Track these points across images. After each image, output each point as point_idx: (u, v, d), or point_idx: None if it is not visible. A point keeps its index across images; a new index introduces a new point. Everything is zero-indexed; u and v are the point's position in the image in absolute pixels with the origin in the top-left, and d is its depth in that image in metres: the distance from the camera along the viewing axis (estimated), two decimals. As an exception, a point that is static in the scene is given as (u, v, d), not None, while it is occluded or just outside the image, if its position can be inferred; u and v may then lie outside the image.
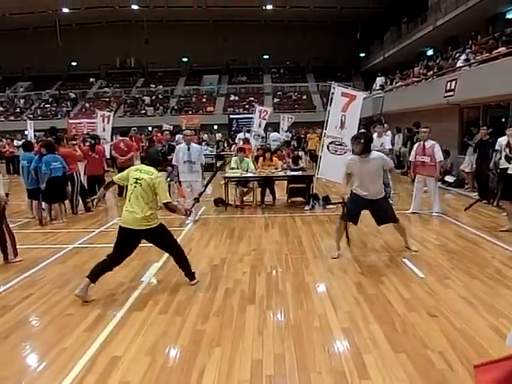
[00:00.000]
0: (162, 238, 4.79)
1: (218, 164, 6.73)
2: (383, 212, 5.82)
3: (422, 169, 8.16)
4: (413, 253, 5.89)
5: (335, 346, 3.52)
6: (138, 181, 4.45)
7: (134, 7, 31.04)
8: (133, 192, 4.47)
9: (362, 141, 5.63)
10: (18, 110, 33.11)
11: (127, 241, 4.62)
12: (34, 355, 3.53)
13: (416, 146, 8.43)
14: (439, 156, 7.98)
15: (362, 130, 10.30)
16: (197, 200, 5.51)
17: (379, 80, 21.63)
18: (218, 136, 22.86)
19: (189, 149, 8.02)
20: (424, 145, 8.16)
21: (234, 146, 18.15)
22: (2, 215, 5.81)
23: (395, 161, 15.00)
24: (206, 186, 6.47)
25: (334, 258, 5.75)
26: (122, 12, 32.37)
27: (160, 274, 5.35)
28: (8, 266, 5.78)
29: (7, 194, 5.91)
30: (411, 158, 8.52)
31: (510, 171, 7.00)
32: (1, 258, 5.91)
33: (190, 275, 4.92)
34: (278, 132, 19.40)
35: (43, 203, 8.30)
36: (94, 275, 4.49)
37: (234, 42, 34.02)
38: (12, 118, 31.44)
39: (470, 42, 14.60)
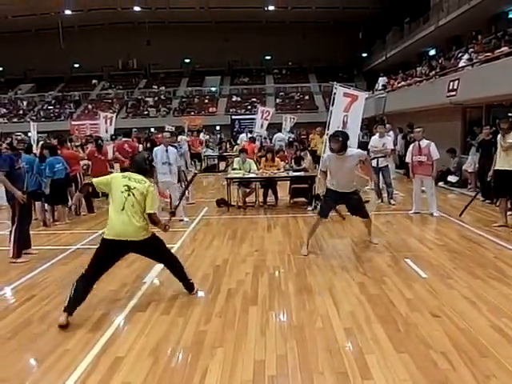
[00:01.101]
0: (157, 248, 4.49)
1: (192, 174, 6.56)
2: (355, 206, 6.29)
3: (419, 168, 8.18)
4: (416, 253, 5.89)
5: (338, 346, 3.52)
6: (131, 189, 4.18)
7: (136, 9, 31.09)
8: (126, 201, 4.15)
9: (341, 139, 5.87)
10: (20, 111, 33.22)
11: (115, 255, 4.30)
12: (36, 356, 3.53)
13: (411, 146, 8.45)
14: (436, 154, 8.01)
15: (346, 132, 10.27)
16: (172, 214, 5.00)
17: (381, 80, 21.61)
18: (220, 137, 22.84)
19: (167, 151, 8.22)
20: (419, 144, 8.18)
21: (236, 146, 18.16)
22: (20, 212, 5.97)
23: (397, 161, 14.98)
24: (180, 199, 6.11)
25: (305, 256, 5.93)
26: (124, 14, 32.43)
27: (162, 274, 5.33)
28: (11, 268, 5.80)
29: (24, 192, 6.02)
30: (407, 159, 8.55)
31: (497, 167, 7.05)
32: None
33: (189, 285, 4.66)
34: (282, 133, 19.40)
35: (45, 205, 8.33)
36: (72, 307, 4.01)
37: (235, 42, 34.05)
38: (15, 119, 31.53)
39: (473, 42, 14.56)
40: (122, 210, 4.15)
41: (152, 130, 25.51)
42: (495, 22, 17.65)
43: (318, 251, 6.17)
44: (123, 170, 10.27)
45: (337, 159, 5.96)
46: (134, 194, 4.17)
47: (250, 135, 16.97)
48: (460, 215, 7.78)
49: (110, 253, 4.25)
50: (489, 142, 9.11)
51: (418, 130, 8.38)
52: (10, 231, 6.11)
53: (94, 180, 4.42)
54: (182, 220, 8.10)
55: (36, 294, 4.82)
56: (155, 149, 8.53)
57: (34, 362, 3.47)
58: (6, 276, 5.48)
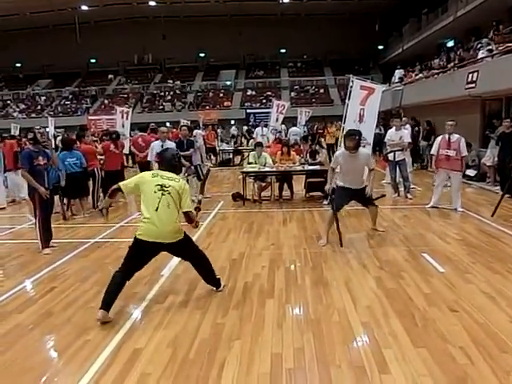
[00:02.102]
0: (189, 248, 4.40)
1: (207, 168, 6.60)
2: (366, 200, 6.53)
3: (446, 163, 7.90)
4: (433, 247, 5.84)
5: (355, 340, 3.52)
6: (165, 188, 4.01)
7: (152, 3, 31.20)
8: (160, 201, 3.99)
9: (357, 137, 6.12)
10: (39, 107, 33.69)
11: (148, 256, 4.19)
12: (58, 347, 3.61)
13: (440, 138, 8.14)
14: (465, 150, 7.83)
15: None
16: (198, 209, 4.75)
17: (398, 73, 21.34)
18: (234, 130, 22.83)
19: (162, 146, 8.12)
20: (449, 138, 7.90)
21: (251, 140, 18.16)
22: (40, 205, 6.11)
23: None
24: (201, 193, 5.96)
25: (323, 246, 6.10)
26: (140, 8, 32.59)
27: (180, 267, 5.39)
28: (31, 261, 5.92)
29: (46, 188, 6.17)
30: (433, 151, 8.27)
31: None
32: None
33: (216, 282, 4.59)
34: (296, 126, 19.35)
35: (64, 198, 8.46)
36: (108, 304, 3.95)
37: (250, 36, 33.90)
38: (33, 115, 31.99)
39: (492, 33, 14.25)
40: (156, 210, 3.98)
41: (168, 124, 25.66)
42: (516, 13, 17.25)
43: (334, 245, 6.16)
44: (139, 164, 10.38)
45: (349, 157, 6.17)
46: (169, 193, 4.01)
47: (261, 131, 16.88)
48: (492, 215, 7.29)
49: (143, 253, 4.13)
50: (509, 135, 8.98)
51: (451, 123, 8.03)
52: (35, 224, 6.25)
53: (121, 184, 4.26)
54: None
55: (56, 287, 4.91)
56: (152, 144, 8.55)
57: (56, 352, 3.55)
58: (27, 268, 5.60)
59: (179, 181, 4.16)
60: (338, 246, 6.13)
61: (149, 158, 8.45)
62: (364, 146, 8.66)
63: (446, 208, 8.10)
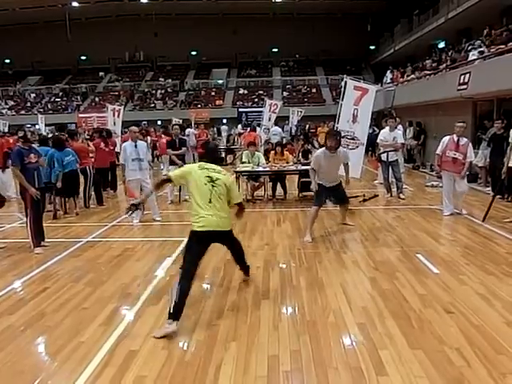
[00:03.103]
0: (234, 236, 4.55)
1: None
2: (341, 197, 6.90)
3: (453, 166, 7.50)
4: (427, 248, 5.86)
5: (351, 341, 3.51)
6: (215, 181, 4.02)
7: (144, 1, 31.01)
8: (212, 193, 3.99)
9: (338, 138, 6.46)
10: (28, 104, 33.30)
11: (207, 246, 4.14)
12: (51, 349, 3.55)
13: (447, 139, 7.66)
14: (471, 155, 7.51)
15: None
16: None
17: (390, 73, 21.43)
18: (225, 129, 22.81)
19: (136, 146, 7.69)
20: (458, 140, 7.50)
21: (241, 135, 18.10)
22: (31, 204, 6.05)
23: (406, 155, 14.91)
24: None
25: (310, 242, 6.24)
26: (132, 6, 32.34)
27: (174, 268, 5.35)
28: (22, 260, 5.84)
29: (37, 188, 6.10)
30: (439, 152, 7.76)
31: (511, 164, 6.97)
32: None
33: (246, 269, 4.79)
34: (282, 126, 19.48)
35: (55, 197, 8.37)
36: (180, 312, 3.74)
37: (243, 35, 33.83)
38: (23, 112, 31.63)
39: (485, 33, 14.35)
40: (210, 202, 3.99)
41: (159, 122, 25.54)
42: (506, 15, 17.39)
43: (328, 246, 6.16)
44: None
45: (329, 157, 6.39)
46: (219, 185, 4.03)
47: (264, 134, 16.89)
48: (483, 220, 7.13)
49: (203, 245, 4.09)
50: (500, 136, 9.03)
51: (460, 125, 7.62)
52: (26, 223, 6.17)
53: (172, 174, 4.25)
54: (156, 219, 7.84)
55: (48, 287, 4.84)
56: (123, 144, 8.05)
57: (49, 354, 3.49)
58: (18, 268, 5.52)
59: (225, 174, 4.18)
60: (332, 246, 6.14)
61: (121, 161, 7.84)
62: (358, 146, 8.73)
63: (438, 209, 8.13)
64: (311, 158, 10.22)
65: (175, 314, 3.67)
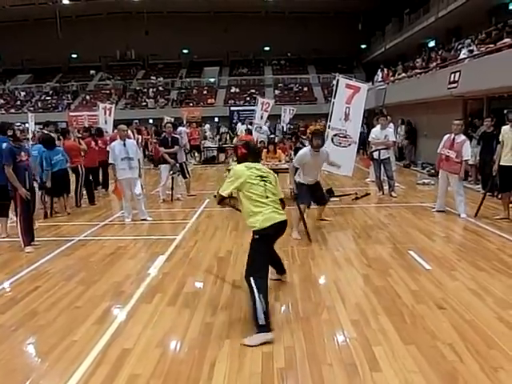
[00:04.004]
0: None
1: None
2: (321, 196, 7.03)
3: (446, 164, 7.50)
4: (419, 245, 5.90)
5: (345, 338, 3.52)
6: (265, 178, 3.94)
7: (135, -2, 30.82)
8: (266, 189, 3.90)
9: (322, 136, 6.72)
10: (18, 102, 32.96)
11: (273, 242, 4.13)
12: (43, 348, 3.52)
13: (446, 137, 7.64)
14: (467, 154, 7.33)
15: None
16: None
17: (380, 72, 21.52)
18: (224, 128, 22.77)
19: (125, 145, 7.62)
20: (454, 138, 7.43)
21: (235, 138, 18.12)
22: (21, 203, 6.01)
23: (397, 153, 15.00)
24: None
25: (298, 239, 6.34)
26: (123, 3, 32.07)
27: (166, 266, 5.35)
28: (13, 259, 5.79)
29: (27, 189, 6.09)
30: (438, 150, 7.73)
31: (503, 162, 7.02)
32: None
33: (283, 269, 4.70)
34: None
35: (45, 196, 8.30)
36: (270, 319, 3.58)
37: (234, 33, 33.73)
38: (13, 110, 31.30)
39: (474, 37, 14.45)
40: (267, 198, 3.89)
41: (150, 121, 25.43)
42: (495, 14, 17.55)
43: (321, 243, 6.17)
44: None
45: (314, 155, 6.54)
46: (270, 182, 3.97)
47: (245, 127, 16.94)
48: (475, 215, 7.25)
49: (270, 241, 4.03)
50: (490, 134, 9.10)
51: (458, 122, 7.53)
52: (16, 222, 6.12)
53: (225, 192, 3.93)
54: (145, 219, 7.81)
55: (40, 286, 4.80)
56: (112, 144, 7.98)
57: (41, 353, 3.45)
58: (8, 267, 5.47)
59: (270, 171, 4.14)
60: (325, 243, 6.16)
61: (110, 161, 7.73)
62: (350, 145, 8.76)
63: (430, 206, 8.19)
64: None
65: (269, 325, 3.53)
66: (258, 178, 3.91)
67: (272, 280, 4.26)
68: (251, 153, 4.19)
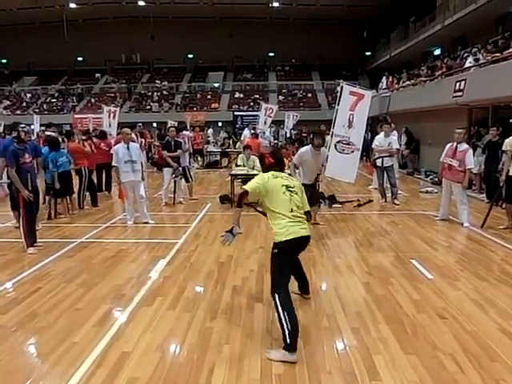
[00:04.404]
0: None
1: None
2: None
3: (449, 173, 7.49)
4: (421, 254, 5.88)
5: (345, 346, 3.51)
6: (291, 188, 3.82)
7: (141, 3, 30.96)
8: (291, 202, 3.76)
9: (323, 136, 7.02)
10: (24, 104, 33.14)
11: (296, 256, 4.04)
12: (43, 349, 3.51)
13: (448, 146, 7.66)
14: (470, 163, 7.29)
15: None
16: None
17: (385, 80, 21.53)
18: (222, 134, 22.82)
19: (128, 148, 7.66)
20: (456, 147, 7.42)
21: (238, 143, 18.14)
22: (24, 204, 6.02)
23: (401, 161, 14.98)
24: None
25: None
26: (129, 8, 32.30)
27: (167, 270, 5.35)
28: (15, 260, 5.79)
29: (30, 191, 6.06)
30: (441, 159, 7.73)
31: (510, 173, 6.97)
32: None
33: (307, 292, 4.44)
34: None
35: (47, 197, 8.33)
36: (294, 339, 3.39)
37: (239, 39, 33.90)
38: (18, 112, 31.46)
39: (481, 46, 14.45)
40: (291, 211, 3.75)
41: (154, 124, 25.50)
42: (502, 23, 17.56)
43: (322, 250, 6.15)
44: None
45: (314, 154, 6.81)
46: (296, 193, 3.84)
47: (252, 131, 16.96)
48: (481, 226, 7.13)
49: (293, 254, 3.94)
50: (495, 143, 9.08)
51: (460, 131, 7.52)
52: (19, 223, 6.14)
53: (248, 188, 3.81)
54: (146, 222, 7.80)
55: (41, 287, 4.80)
56: (115, 147, 8.03)
57: (41, 354, 3.45)
58: (10, 268, 5.47)
59: (296, 180, 4.09)
60: (326, 250, 6.15)
61: (113, 163, 7.77)
62: (353, 152, 8.76)
63: (433, 215, 8.16)
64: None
65: (295, 345, 3.36)
66: (284, 187, 3.79)
67: (292, 293, 4.06)
68: (278, 162, 4.10)
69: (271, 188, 3.76)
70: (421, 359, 3.27)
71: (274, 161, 4.10)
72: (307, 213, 3.97)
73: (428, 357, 3.31)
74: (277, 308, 3.51)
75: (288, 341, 3.34)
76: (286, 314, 3.44)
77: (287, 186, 3.80)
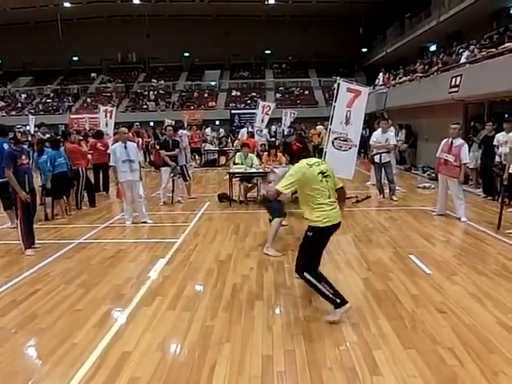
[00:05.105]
0: None
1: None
2: None
3: (444, 168, 7.53)
4: (419, 249, 5.90)
5: (345, 342, 3.52)
6: (325, 173, 3.84)
7: (136, 1, 30.84)
8: (327, 186, 3.82)
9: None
10: (19, 104, 33.03)
11: (328, 241, 4.05)
12: (43, 351, 3.51)
13: (444, 141, 7.67)
14: (465, 157, 7.29)
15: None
16: None
17: (381, 76, 21.53)
18: (221, 132, 22.80)
19: (125, 147, 7.63)
20: (452, 142, 7.44)
21: (236, 141, 18.13)
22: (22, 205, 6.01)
23: (398, 157, 15.01)
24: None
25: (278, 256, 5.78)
26: (124, 6, 32.19)
27: (167, 269, 5.35)
28: (13, 262, 5.79)
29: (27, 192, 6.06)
30: (437, 154, 7.76)
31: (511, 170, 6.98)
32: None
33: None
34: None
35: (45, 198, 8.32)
36: (339, 296, 3.77)
37: (236, 36, 33.85)
38: (13, 112, 31.36)
39: (476, 41, 14.47)
40: (329, 197, 3.83)
41: (151, 124, 25.45)
42: (496, 18, 17.60)
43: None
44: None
45: None
46: (330, 176, 3.88)
47: (250, 129, 16.94)
48: (498, 228, 6.75)
49: (327, 239, 4.00)
50: (492, 138, 9.11)
51: (454, 126, 7.51)
52: (17, 225, 6.12)
53: (283, 188, 3.76)
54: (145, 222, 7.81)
55: (40, 289, 4.80)
56: (113, 146, 8.01)
57: (41, 356, 3.45)
58: (9, 270, 5.47)
59: (326, 164, 4.06)
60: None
61: (111, 163, 7.78)
62: (350, 148, 8.77)
63: (430, 210, 8.19)
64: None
65: (343, 299, 3.76)
66: (320, 174, 3.81)
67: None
68: (305, 147, 4.15)
69: (310, 179, 3.77)
70: (420, 353, 3.29)
71: (301, 147, 4.14)
72: (340, 188, 4.08)
73: (427, 351, 3.33)
74: (311, 283, 3.81)
75: (338, 301, 3.74)
76: (322, 283, 3.77)
77: (322, 173, 3.83)
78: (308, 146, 4.23)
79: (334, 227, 3.92)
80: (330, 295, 3.75)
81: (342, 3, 30.74)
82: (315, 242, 3.92)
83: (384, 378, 3.01)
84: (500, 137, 8.80)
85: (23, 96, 34.07)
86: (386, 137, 9.57)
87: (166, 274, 5.17)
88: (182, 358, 3.34)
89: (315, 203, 3.81)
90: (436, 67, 14.91)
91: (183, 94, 33.54)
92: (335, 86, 9.42)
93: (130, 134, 11.71)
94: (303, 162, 3.87)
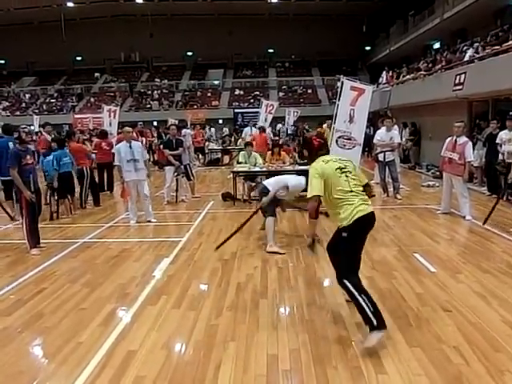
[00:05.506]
0: None
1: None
2: None
3: (449, 166, 7.51)
4: (424, 247, 5.89)
5: (350, 340, 3.51)
6: (345, 169, 3.68)
7: (139, 1, 30.93)
8: (347, 181, 3.63)
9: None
10: (23, 104, 33.17)
11: (364, 236, 3.79)
12: (49, 350, 3.53)
13: (448, 140, 7.69)
14: (469, 155, 7.29)
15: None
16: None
17: (385, 74, 21.48)
18: (225, 131, 22.82)
19: (130, 146, 7.62)
20: (456, 140, 7.43)
21: (239, 140, 18.13)
22: (27, 205, 6.01)
23: (402, 155, 14.96)
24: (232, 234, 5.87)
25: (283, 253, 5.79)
26: (127, 6, 32.28)
27: (171, 268, 5.36)
28: (19, 261, 5.81)
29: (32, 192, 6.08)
30: (442, 153, 7.76)
31: None
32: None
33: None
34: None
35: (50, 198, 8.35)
36: (378, 317, 3.36)
37: (239, 35, 33.86)
38: (18, 113, 31.49)
39: (480, 35, 14.41)
40: (351, 192, 3.62)
41: (155, 123, 25.49)
42: (500, 16, 17.51)
43: (325, 245, 6.14)
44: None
45: None
46: (350, 172, 3.70)
47: (261, 125, 16.89)
48: (484, 223, 6.85)
49: (360, 236, 3.74)
50: (496, 136, 9.07)
51: (458, 124, 7.50)
52: (22, 224, 6.15)
53: (315, 192, 3.61)
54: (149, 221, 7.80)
55: (46, 288, 4.82)
56: (117, 146, 7.99)
57: (47, 355, 3.47)
58: (14, 269, 5.49)
59: (346, 160, 3.87)
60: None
61: (116, 162, 7.84)
62: (354, 147, 8.76)
63: (435, 208, 8.17)
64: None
65: (382, 321, 3.36)
66: (338, 170, 3.67)
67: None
68: (324, 146, 4.04)
69: (327, 176, 3.63)
70: (425, 352, 3.28)
71: (320, 143, 4.03)
72: (366, 185, 3.86)
73: (433, 349, 3.32)
74: (351, 293, 3.47)
75: (374, 322, 3.30)
76: (362, 295, 3.41)
77: (340, 168, 3.68)
78: (327, 143, 4.05)
79: (365, 219, 3.61)
80: (369, 312, 3.34)
81: (344, 1, 30.70)
82: (351, 240, 3.66)
83: (389, 377, 3.00)
84: (503, 135, 8.78)
85: (27, 96, 34.22)
86: (390, 135, 9.55)
87: (171, 273, 5.18)
88: (187, 357, 3.35)
89: (338, 202, 3.62)
90: (440, 65, 14.86)
91: (186, 93, 33.58)
92: (339, 84, 9.41)
93: (134, 133, 11.73)
94: (319, 159, 3.78)
